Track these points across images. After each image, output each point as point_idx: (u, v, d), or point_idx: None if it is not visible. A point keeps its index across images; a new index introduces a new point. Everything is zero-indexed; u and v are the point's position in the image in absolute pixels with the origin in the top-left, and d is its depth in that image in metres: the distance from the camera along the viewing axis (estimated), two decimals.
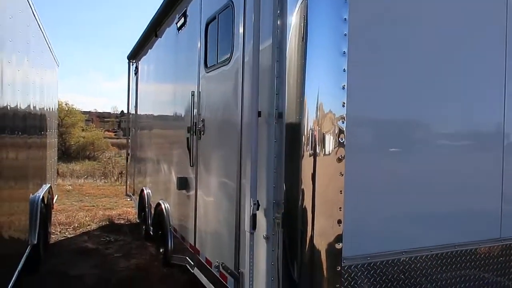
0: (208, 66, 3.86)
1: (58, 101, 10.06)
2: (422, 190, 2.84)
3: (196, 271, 4.01)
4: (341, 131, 2.41)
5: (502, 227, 3.15)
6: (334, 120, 2.41)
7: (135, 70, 8.12)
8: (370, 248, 2.61)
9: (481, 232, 3.07)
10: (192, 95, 4.13)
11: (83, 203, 10.36)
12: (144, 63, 7.43)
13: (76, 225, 7.78)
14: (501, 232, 3.14)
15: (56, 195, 8.03)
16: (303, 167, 2.42)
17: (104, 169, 18.70)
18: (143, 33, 6.74)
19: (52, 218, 7.23)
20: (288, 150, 2.52)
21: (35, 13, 5.09)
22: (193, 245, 4.13)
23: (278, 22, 2.61)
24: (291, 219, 2.48)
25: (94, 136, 31.42)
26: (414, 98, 2.81)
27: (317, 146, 2.39)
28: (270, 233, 2.61)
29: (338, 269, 2.43)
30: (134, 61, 8.25)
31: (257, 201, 2.60)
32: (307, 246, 2.41)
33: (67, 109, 30.37)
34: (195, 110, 4.09)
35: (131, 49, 7.98)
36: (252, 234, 2.63)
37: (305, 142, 2.41)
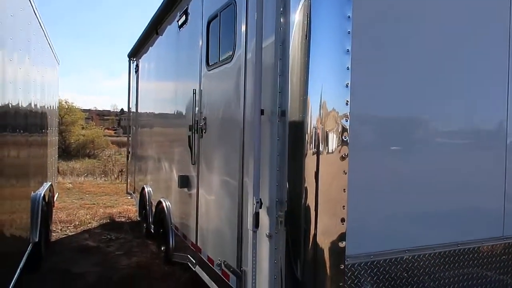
0: (210, 64, 3.85)
1: (58, 99, 10.04)
2: (425, 188, 2.83)
3: (198, 269, 4.01)
4: (344, 129, 2.40)
5: (505, 226, 3.15)
6: (338, 118, 2.40)
7: (135, 68, 8.10)
8: (373, 247, 2.61)
9: (483, 231, 3.07)
10: (193, 93, 4.12)
11: (84, 201, 10.36)
12: (144, 61, 7.41)
13: (77, 223, 7.79)
14: (503, 230, 3.14)
15: (57, 193, 8.02)
16: (306, 165, 2.41)
17: (104, 167, 18.72)
18: (143, 31, 6.72)
19: (53, 216, 7.23)
20: (291, 148, 2.51)
21: (35, 10, 5.07)
22: (194, 243, 4.13)
23: (281, 20, 2.59)
24: (294, 217, 2.48)
25: (94, 134, 31.44)
26: (417, 96, 2.80)
27: (320, 144, 2.39)
28: (273, 231, 2.60)
29: (341, 268, 2.43)
30: (134, 59, 8.23)
31: (260, 199, 2.59)
32: (310, 244, 2.41)
33: (67, 107, 30.38)
34: (197, 108, 4.09)
35: (131, 47, 7.97)
36: (255, 232, 2.62)
37: (308, 140, 2.41)
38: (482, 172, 3.09)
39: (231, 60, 3.36)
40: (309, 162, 2.41)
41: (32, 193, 4.87)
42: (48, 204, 5.95)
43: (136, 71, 8.00)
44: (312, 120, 2.40)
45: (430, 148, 2.90)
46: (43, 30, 5.81)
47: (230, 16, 3.37)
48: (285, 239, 2.52)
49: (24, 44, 4.30)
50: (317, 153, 2.39)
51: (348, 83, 2.39)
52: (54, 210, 7.45)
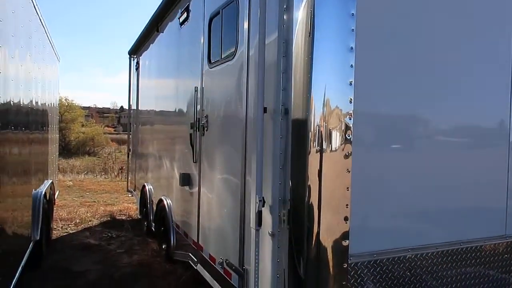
0: (212, 61, 3.83)
1: (58, 97, 10.01)
2: (427, 187, 2.82)
3: (199, 268, 4.01)
4: (348, 128, 2.39)
5: (507, 224, 3.14)
6: (341, 116, 2.39)
7: (136, 66, 8.08)
8: (376, 245, 2.60)
9: (486, 229, 3.06)
10: (195, 90, 4.10)
11: (84, 199, 10.36)
12: (145, 59, 7.39)
13: (78, 221, 7.78)
14: (506, 229, 3.14)
15: (57, 191, 8.01)
16: (310, 163, 2.40)
17: (104, 164, 18.72)
18: (144, 28, 6.70)
19: (53, 214, 7.22)
20: (295, 146, 2.50)
21: (36, 7, 5.05)
22: (196, 241, 4.12)
23: (284, 17, 2.58)
24: (297, 215, 2.47)
25: (94, 132, 31.49)
26: (419, 94, 2.79)
27: (323, 142, 2.37)
28: (276, 229, 2.60)
29: (344, 266, 2.42)
30: (135, 56, 8.21)
31: (263, 197, 2.58)
32: (313, 243, 2.40)
33: (67, 104, 30.39)
34: (198, 106, 4.07)
35: (132, 44, 7.95)
36: (257, 231, 2.61)
37: (312, 138, 2.39)
38: (485, 170, 3.08)
39: (233, 57, 3.35)
40: (313, 160, 2.39)
41: (34, 190, 4.87)
42: (49, 202, 5.94)
43: (137, 69, 7.98)
44: (316, 118, 2.38)
45: (433, 147, 2.89)
46: (43, 27, 5.79)
47: (232, 13, 3.35)
48: (288, 237, 2.51)
49: (25, 41, 4.28)
50: (321, 151, 2.38)
51: (351, 81, 2.38)
52: (54, 208, 7.45)
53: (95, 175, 16.51)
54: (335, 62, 2.41)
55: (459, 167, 2.97)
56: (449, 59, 2.87)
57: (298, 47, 2.47)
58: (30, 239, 4.52)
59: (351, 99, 2.38)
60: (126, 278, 5.00)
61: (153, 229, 6.00)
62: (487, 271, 3.04)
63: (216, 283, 3.51)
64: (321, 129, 2.38)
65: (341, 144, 2.39)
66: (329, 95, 2.39)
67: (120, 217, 8.27)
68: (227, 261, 3.20)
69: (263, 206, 2.58)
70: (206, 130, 3.91)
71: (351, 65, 2.38)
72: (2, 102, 3.18)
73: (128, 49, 8.27)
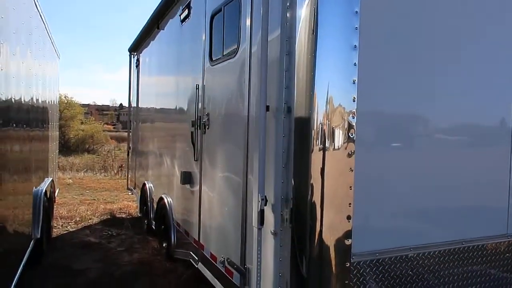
0: (213, 59, 3.82)
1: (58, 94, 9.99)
2: (429, 186, 2.82)
3: (200, 266, 4.00)
4: (351, 126, 2.38)
5: (509, 223, 3.15)
6: (344, 115, 2.38)
7: (136, 63, 8.06)
8: (379, 245, 2.60)
9: (488, 228, 3.06)
10: (196, 88, 4.09)
11: (84, 197, 10.35)
12: (145, 56, 7.37)
13: (78, 219, 7.77)
14: (507, 228, 3.14)
15: (58, 189, 8.00)
16: (313, 162, 2.39)
17: (103, 162, 18.70)
18: (144, 25, 6.68)
19: (54, 212, 7.21)
20: (297, 145, 2.49)
21: (37, 3, 5.03)
22: (197, 240, 4.11)
23: (287, 15, 2.57)
24: (299, 214, 2.46)
25: (93, 129, 31.46)
26: (421, 93, 2.78)
27: (326, 140, 2.37)
28: (278, 228, 2.59)
29: (347, 265, 2.42)
30: (135, 53, 8.18)
31: (265, 196, 2.57)
32: (316, 242, 2.39)
33: (66, 101, 30.34)
34: (200, 104, 4.06)
35: (132, 41, 7.92)
36: (259, 229, 2.61)
37: (315, 137, 2.39)
38: (487, 169, 3.08)
39: (235, 55, 3.33)
40: (315, 158, 2.39)
41: (34, 188, 4.86)
42: (49, 200, 5.93)
43: (137, 66, 7.96)
44: (319, 116, 2.38)
45: (436, 146, 2.89)
46: (44, 23, 5.77)
47: (235, 11, 3.33)
48: (291, 236, 2.51)
49: (26, 38, 4.26)
50: (323, 149, 2.37)
51: (355, 80, 2.37)
52: (55, 206, 7.43)
53: (94, 173, 16.49)
54: (338, 60, 2.40)
55: (461, 167, 2.97)
56: (452, 58, 2.86)
57: (301, 45, 2.45)
58: (31, 237, 4.52)
59: (354, 97, 2.37)
60: (126, 276, 5.00)
61: (154, 227, 6.00)
62: (489, 270, 3.04)
63: (218, 282, 3.51)
64: (324, 127, 2.37)
65: (344, 143, 2.39)
66: (332, 93, 2.38)
67: (120, 215, 8.26)
68: (229, 260, 3.19)
69: (265, 205, 2.58)
70: (208, 128, 3.90)
71: (355, 63, 2.37)
72: (4, 100, 3.17)
73: (129, 45, 8.24)
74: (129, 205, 9.01)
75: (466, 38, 2.92)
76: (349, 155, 2.38)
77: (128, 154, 9.10)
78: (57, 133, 9.20)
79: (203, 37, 4.02)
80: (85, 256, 5.70)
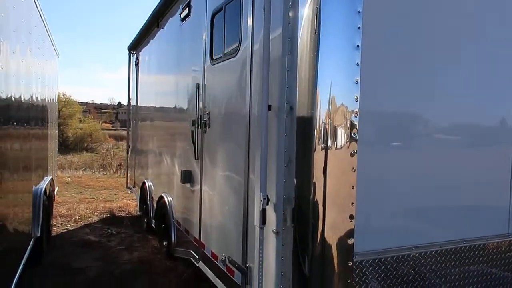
0: (214, 58, 3.81)
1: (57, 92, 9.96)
2: (431, 185, 2.82)
3: (201, 265, 4.00)
4: (353, 126, 2.38)
5: (510, 223, 3.15)
6: (347, 114, 2.38)
7: (135, 61, 8.04)
8: (381, 244, 2.60)
9: (489, 228, 3.07)
10: (197, 87, 4.08)
11: (83, 195, 10.33)
12: (145, 55, 7.35)
13: (77, 217, 7.76)
14: (509, 227, 3.14)
15: (57, 187, 7.99)
16: (315, 161, 2.39)
17: (102, 161, 18.68)
18: (144, 24, 6.66)
19: (53, 211, 7.20)
20: (299, 144, 2.48)
21: (36, 2, 5.01)
22: (197, 238, 4.11)
23: (290, 14, 2.56)
24: (302, 213, 2.46)
25: (91, 128, 31.41)
26: (423, 93, 2.78)
27: (329, 139, 2.36)
28: (280, 227, 2.59)
29: (349, 264, 2.42)
30: (134, 52, 8.16)
31: (267, 195, 2.57)
32: (318, 241, 2.39)
33: (64, 100, 30.28)
34: (200, 103, 4.05)
35: (131, 40, 7.90)
36: (261, 229, 2.61)
37: (317, 136, 2.38)
38: (487, 169, 3.08)
39: (236, 54, 3.33)
40: (318, 157, 2.38)
41: (34, 187, 4.84)
42: (49, 198, 5.92)
43: (136, 64, 7.94)
44: (321, 115, 2.37)
45: (435, 145, 2.89)
46: (43, 22, 5.75)
47: (236, 10, 3.33)
48: (293, 235, 2.51)
49: (26, 36, 4.25)
50: (326, 148, 2.37)
51: (357, 79, 2.36)
52: (54, 205, 7.42)
53: (93, 171, 16.47)
54: (341, 60, 2.39)
55: (462, 166, 2.97)
56: (452, 57, 2.86)
57: (304, 44, 2.45)
58: (31, 236, 4.51)
59: (357, 97, 2.37)
60: (126, 275, 5.00)
61: (154, 226, 5.99)
62: (490, 269, 3.05)
63: (219, 281, 3.51)
64: (327, 126, 2.37)
65: (346, 142, 2.38)
66: (335, 93, 2.38)
67: (119, 214, 8.25)
68: (230, 259, 3.19)
69: (267, 204, 2.57)
70: (208, 127, 3.89)
71: (357, 63, 2.36)
72: (4, 98, 3.15)
73: (128, 44, 8.22)
74: (129, 203, 9.00)
75: (466, 38, 2.92)
76: (352, 155, 2.38)
77: (127, 153, 9.09)
78: (56, 131, 9.18)
79: (204, 36, 4.01)
80: (85, 254, 5.70)
